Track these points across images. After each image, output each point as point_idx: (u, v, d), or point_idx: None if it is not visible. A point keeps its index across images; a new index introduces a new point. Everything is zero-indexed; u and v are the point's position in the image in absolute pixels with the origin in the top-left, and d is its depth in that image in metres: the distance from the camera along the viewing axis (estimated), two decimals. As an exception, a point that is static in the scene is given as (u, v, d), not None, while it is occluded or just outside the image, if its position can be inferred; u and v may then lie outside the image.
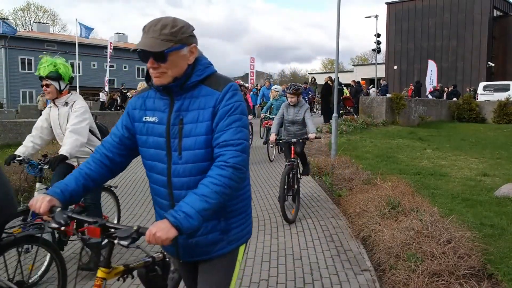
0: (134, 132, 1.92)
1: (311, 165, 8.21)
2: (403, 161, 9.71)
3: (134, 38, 59.59)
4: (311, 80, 23.76)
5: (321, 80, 22.86)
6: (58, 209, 1.75)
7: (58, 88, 3.76)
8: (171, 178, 1.82)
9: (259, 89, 19.80)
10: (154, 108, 1.86)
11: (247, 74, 36.45)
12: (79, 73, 30.96)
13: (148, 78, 1.86)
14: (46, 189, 3.55)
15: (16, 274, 2.91)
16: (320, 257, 4.37)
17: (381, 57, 43.23)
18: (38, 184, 3.78)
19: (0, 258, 2.88)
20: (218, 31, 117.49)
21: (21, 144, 3.95)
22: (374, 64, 33.33)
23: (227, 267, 1.90)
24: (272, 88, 10.90)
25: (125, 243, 1.58)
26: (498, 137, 15.15)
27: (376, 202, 5.22)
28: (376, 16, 27.64)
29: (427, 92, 25.07)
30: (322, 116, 17.22)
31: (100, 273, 1.79)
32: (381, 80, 26.44)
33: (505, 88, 23.19)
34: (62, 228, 1.74)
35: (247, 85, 19.85)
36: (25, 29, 52.62)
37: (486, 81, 30.08)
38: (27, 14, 57.83)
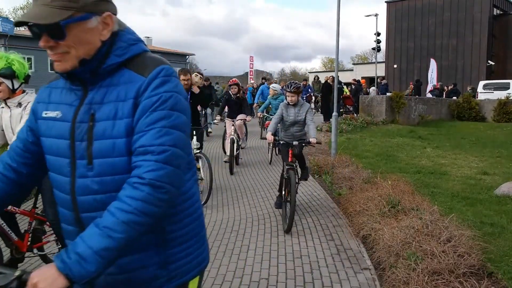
0: (38, 133, 1.45)
1: (311, 164, 8.23)
2: (403, 159, 9.72)
3: (134, 37, 59.26)
4: (314, 79, 23.69)
5: (321, 79, 22.86)
6: None
7: (10, 87, 3.35)
8: (76, 196, 1.33)
9: (256, 88, 19.64)
10: (60, 100, 1.40)
11: (247, 73, 36.47)
12: (79, 72, 30.86)
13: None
14: None
15: None
16: (320, 255, 4.37)
17: (381, 56, 43.21)
18: None
19: None
20: (219, 30, 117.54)
21: None
22: (374, 63, 33.31)
23: None
24: (270, 87, 10.80)
25: None
26: (498, 135, 15.14)
27: (376, 201, 5.22)
28: (376, 15, 27.61)
29: (427, 91, 25.07)
30: (322, 115, 17.21)
31: None
32: (379, 79, 26.42)
33: (505, 87, 23.19)
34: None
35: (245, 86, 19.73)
36: (24, 28, 52.52)
37: (486, 79, 30.07)
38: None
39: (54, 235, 3.80)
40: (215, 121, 8.65)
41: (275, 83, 17.42)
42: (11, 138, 3.51)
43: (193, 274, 1.49)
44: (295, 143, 5.47)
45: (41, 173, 1.51)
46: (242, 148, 9.71)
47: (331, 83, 15.89)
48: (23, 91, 3.48)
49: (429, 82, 25.91)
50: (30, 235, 3.70)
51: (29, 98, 3.47)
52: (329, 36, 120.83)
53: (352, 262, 4.21)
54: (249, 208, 6.12)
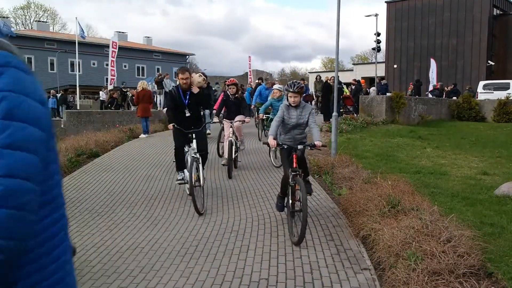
0: None
1: (311, 164, 8.22)
2: (403, 160, 9.72)
3: (134, 37, 59.50)
4: (316, 78, 23.66)
5: (323, 78, 22.83)
6: None
7: None
8: None
9: (254, 89, 19.51)
10: None
11: (247, 73, 36.47)
12: (79, 71, 30.91)
13: None
14: None
15: None
16: (320, 256, 4.37)
17: (381, 56, 43.16)
18: None
19: None
20: (219, 29, 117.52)
21: None
22: (374, 63, 33.30)
23: None
24: (274, 87, 10.48)
25: None
26: (498, 135, 15.15)
27: (376, 201, 5.22)
28: (376, 15, 27.60)
29: (427, 91, 25.09)
30: (322, 115, 17.20)
31: None
32: (378, 79, 26.42)
33: (505, 87, 23.21)
34: None
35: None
36: (25, 28, 52.62)
37: (486, 79, 30.09)
38: (27, 13, 57.91)
39: None
40: (214, 120, 8.57)
41: (274, 83, 17.30)
42: None
43: None
44: (299, 147, 5.13)
45: None
46: (241, 150, 9.64)
47: (331, 83, 15.89)
48: None
49: (430, 82, 25.92)
50: None
51: None
52: (329, 36, 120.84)
53: (352, 262, 4.21)
54: (249, 208, 6.12)
